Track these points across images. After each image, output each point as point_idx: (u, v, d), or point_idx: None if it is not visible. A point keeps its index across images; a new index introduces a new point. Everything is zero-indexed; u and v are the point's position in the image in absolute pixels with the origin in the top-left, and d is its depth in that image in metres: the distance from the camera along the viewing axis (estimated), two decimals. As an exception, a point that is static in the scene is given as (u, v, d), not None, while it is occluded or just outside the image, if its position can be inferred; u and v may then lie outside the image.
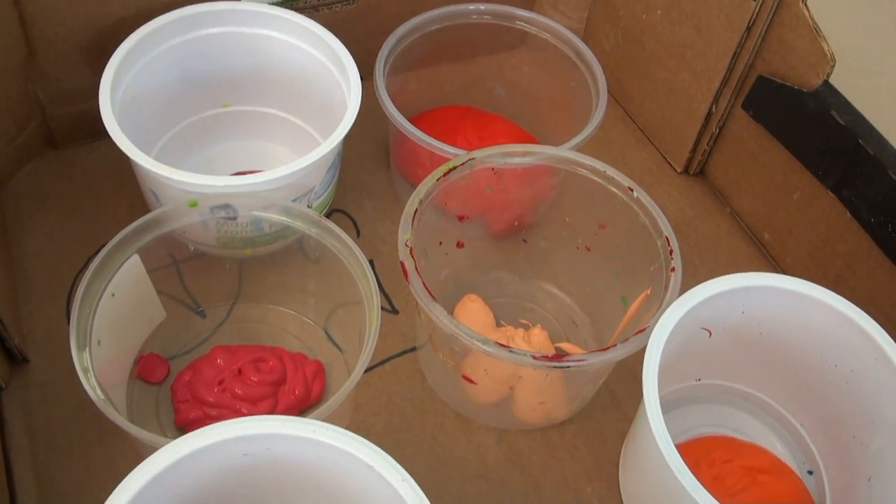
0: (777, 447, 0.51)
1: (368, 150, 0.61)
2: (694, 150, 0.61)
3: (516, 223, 0.55)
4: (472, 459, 0.49)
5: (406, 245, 0.45)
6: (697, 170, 0.62)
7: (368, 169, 0.60)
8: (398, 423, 0.50)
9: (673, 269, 0.46)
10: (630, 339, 0.43)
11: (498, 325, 0.52)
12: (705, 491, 0.39)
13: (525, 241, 0.55)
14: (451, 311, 0.48)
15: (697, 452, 0.49)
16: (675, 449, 0.40)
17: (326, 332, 0.52)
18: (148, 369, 0.50)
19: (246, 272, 0.53)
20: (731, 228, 0.60)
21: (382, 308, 0.54)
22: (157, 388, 0.50)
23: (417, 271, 0.44)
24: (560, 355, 0.43)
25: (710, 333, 0.48)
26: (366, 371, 0.51)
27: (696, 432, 0.51)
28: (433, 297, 0.44)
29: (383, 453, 0.39)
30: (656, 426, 0.41)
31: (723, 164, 0.61)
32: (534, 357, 0.42)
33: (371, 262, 0.55)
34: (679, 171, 0.62)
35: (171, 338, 0.51)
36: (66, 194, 0.57)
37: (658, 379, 0.44)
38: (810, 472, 0.50)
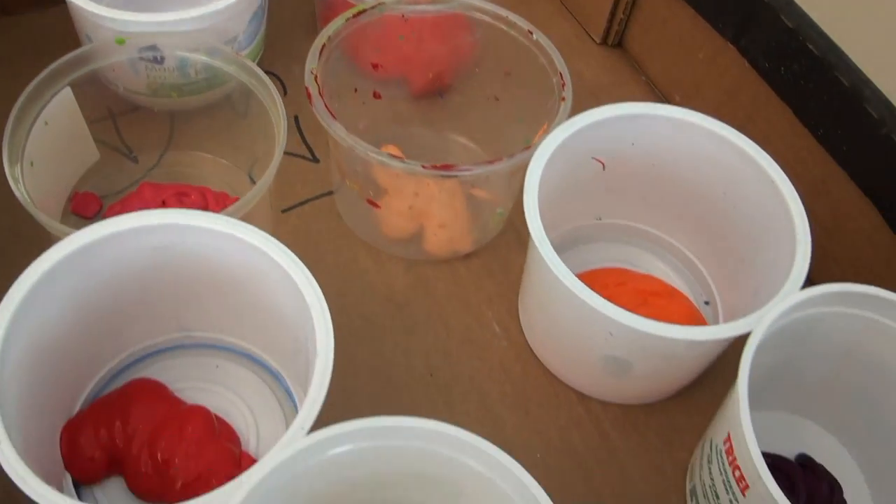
0: (676, 281, 0.54)
1: (299, 22, 0.64)
2: (611, 20, 0.64)
3: (435, 81, 0.58)
4: (381, 285, 0.52)
5: (311, 73, 0.48)
6: (615, 41, 0.65)
7: (298, 37, 0.63)
8: (312, 254, 0.52)
9: (563, 99, 0.49)
10: (515, 155, 0.47)
11: (413, 172, 0.56)
12: (584, 285, 0.42)
13: (441, 95, 0.58)
14: (372, 165, 0.52)
15: (590, 279, 0.51)
16: (553, 251, 0.43)
17: (250, 177, 0.55)
18: (82, 205, 0.53)
19: (178, 124, 0.56)
20: (644, 94, 0.63)
21: (304, 157, 0.57)
22: (90, 222, 0.53)
23: (321, 95, 0.47)
24: (448, 165, 0.46)
25: (604, 166, 0.51)
26: (285, 210, 0.55)
27: (594, 266, 0.54)
28: (333, 116, 0.47)
29: (276, 241, 0.42)
30: (535, 229, 0.44)
31: (638, 34, 0.64)
32: (423, 166, 0.46)
33: (296, 118, 0.59)
34: (598, 42, 0.65)
35: (105, 179, 0.54)
36: (15, 57, 0.60)
37: (555, 214, 0.47)
38: (707, 303, 0.53)
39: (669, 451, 0.48)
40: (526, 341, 0.51)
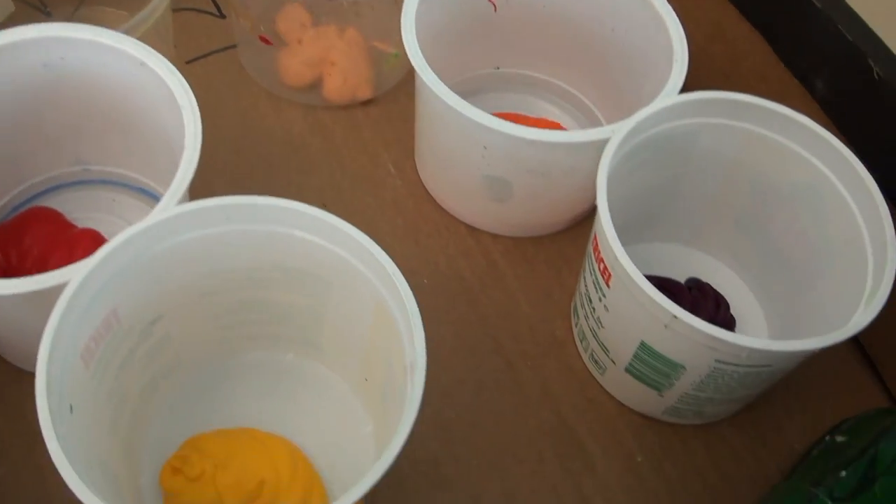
0: (572, 126, 0.55)
1: None
2: None
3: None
4: (279, 129, 0.53)
5: None
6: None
7: None
8: (214, 102, 0.54)
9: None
10: (399, -19, 0.47)
11: (316, 24, 0.56)
12: (455, 95, 0.43)
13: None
14: (274, 16, 0.52)
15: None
16: (426, 63, 0.44)
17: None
18: None
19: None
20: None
21: (209, 13, 0.58)
22: None
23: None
24: (328, -12, 0.47)
25: (495, 7, 0.51)
26: (189, 62, 0.56)
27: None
28: (219, -54, 0.48)
29: (158, 55, 0.43)
30: (409, 43, 0.44)
31: None
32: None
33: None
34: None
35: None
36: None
37: (452, 61, 0.49)
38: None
39: (558, 278, 0.49)
40: (420, 181, 0.52)
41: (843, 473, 0.39)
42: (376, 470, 0.32)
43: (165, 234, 0.38)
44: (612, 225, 0.39)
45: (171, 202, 0.38)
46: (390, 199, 0.51)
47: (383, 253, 0.36)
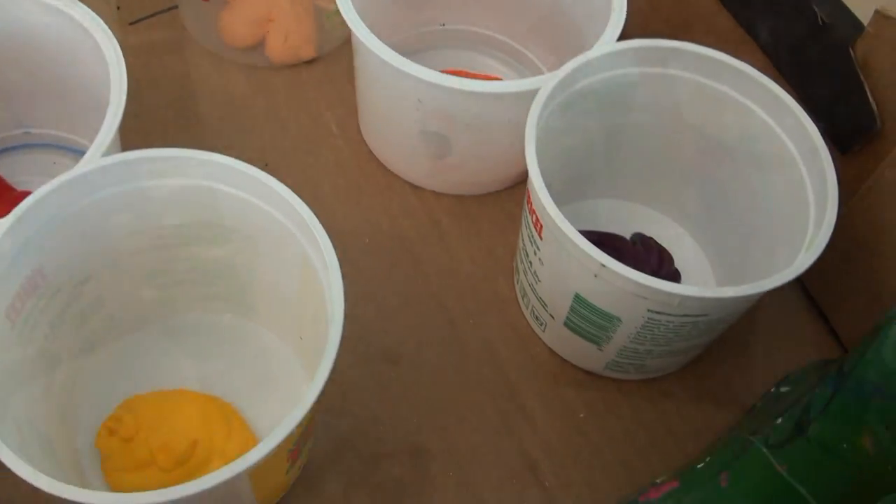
0: (519, 86, 0.54)
1: None
2: None
3: None
4: (221, 91, 0.53)
5: None
6: None
7: None
8: (157, 63, 0.53)
9: None
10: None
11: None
12: (388, 47, 0.42)
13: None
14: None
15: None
16: (358, 18, 0.43)
17: (99, -4, 0.56)
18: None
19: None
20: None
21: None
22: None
23: None
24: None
25: (437, -39, 0.51)
26: (132, 23, 0.55)
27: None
28: None
29: (89, 10, 0.42)
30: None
31: None
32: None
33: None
34: None
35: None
36: None
37: (396, 17, 0.48)
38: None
39: (502, 237, 0.49)
40: (363, 140, 0.51)
41: (779, 420, 0.38)
42: (291, 418, 0.32)
43: (88, 188, 0.37)
44: (539, 174, 0.38)
45: (96, 155, 0.38)
46: (332, 159, 0.50)
47: (303, 204, 0.35)
